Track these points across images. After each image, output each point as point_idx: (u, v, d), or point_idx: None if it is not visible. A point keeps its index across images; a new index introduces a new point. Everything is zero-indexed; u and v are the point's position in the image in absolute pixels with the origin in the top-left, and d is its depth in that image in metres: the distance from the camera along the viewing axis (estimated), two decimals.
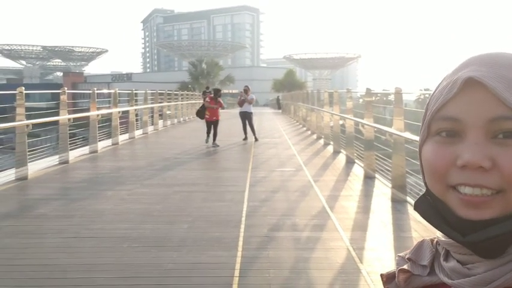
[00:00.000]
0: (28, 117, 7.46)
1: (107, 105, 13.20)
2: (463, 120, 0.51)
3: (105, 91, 15.38)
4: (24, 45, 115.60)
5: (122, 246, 4.10)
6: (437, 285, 0.55)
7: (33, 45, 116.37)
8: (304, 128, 17.54)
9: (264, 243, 4.22)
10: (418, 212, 0.56)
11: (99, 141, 10.69)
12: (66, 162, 8.56)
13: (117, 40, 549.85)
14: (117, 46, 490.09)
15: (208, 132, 11.81)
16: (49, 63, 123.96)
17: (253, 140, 12.70)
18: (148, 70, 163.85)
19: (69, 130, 9.11)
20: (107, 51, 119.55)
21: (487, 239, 0.49)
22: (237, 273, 3.46)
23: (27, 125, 7.23)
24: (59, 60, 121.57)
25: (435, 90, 0.56)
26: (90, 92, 10.75)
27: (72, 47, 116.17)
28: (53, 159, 8.69)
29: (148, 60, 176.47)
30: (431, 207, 0.55)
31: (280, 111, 36.19)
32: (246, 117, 13.20)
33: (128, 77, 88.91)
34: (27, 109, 7.70)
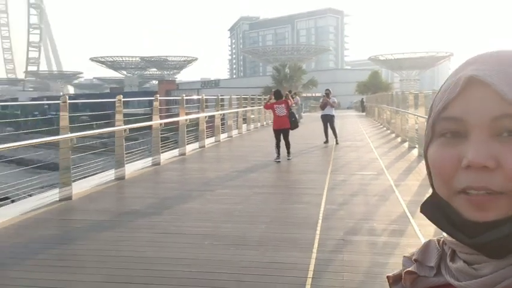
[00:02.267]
0: (126, 122, 8.18)
1: (196, 110, 13.96)
2: (466, 120, 0.50)
3: (194, 97, 16.26)
4: (124, 56, 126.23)
5: (203, 243, 4.37)
6: (444, 286, 0.55)
7: (132, 57, 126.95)
8: (388, 131, 16.98)
9: (340, 246, 4.21)
10: (425, 215, 0.56)
11: (188, 144, 11.28)
12: (158, 164, 9.20)
13: (206, 48, 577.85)
14: (206, 54, 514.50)
15: (277, 145, 9.84)
16: (146, 72, 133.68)
17: (334, 143, 12.57)
18: (234, 76, 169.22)
19: (161, 134, 9.73)
20: (196, 59, 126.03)
21: (494, 240, 0.48)
22: (310, 274, 3.51)
23: (125, 130, 7.92)
24: (155, 70, 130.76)
25: (438, 91, 0.56)
26: (180, 98, 11.48)
27: (166, 56, 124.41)
28: (147, 161, 9.39)
29: (234, 66, 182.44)
30: (437, 209, 0.54)
31: (364, 114, 35.21)
32: (327, 120, 13.17)
33: (215, 83, 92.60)
34: (126, 115, 8.48)
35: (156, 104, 9.44)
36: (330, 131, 12.98)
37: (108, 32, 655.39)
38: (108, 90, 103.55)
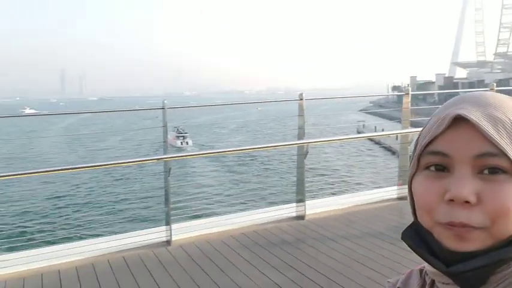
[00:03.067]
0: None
1: None
2: (451, 155, 0.53)
3: None
4: None
5: None
6: None
7: None
8: None
9: None
10: (405, 242, 0.58)
11: None
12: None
13: None
14: None
15: None
16: None
17: None
18: None
19: None
20: None
21: (469, 270, 0.51)
22: None
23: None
24: None
25: (424, 127, 0.59)
26: None
27: None
28: None
29: None
30: (418, 238, 0.57)
31: None
32: None
33: None
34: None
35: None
36: None
37: None
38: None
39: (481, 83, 69.91)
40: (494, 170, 0.52)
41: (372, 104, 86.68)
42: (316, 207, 5.12)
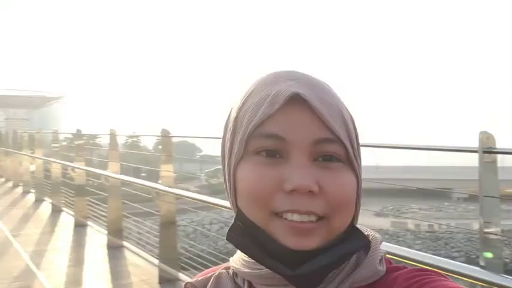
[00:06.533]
0: None
1: None
2: (288, 139, 0.49)
3: None
4: None
5: None
6: None
7: None
8: None
9: None
10: (232, 243, 0.52)
11: None
12: None
13: None
14: None
15: None
16: None
17: None
18: None
19: None
20: None
21: (316, 270, 0.48)
22: None
23: None
24: None
25: (243, 104, 0.53)
26: None
27: None
28: None
29: None
30: (247, 237, 0.51)
31: None
32: None
33: None
34: None
35: None
36: None
37: None
38: None
39: None
40: (330, 158, 0.50)
41: None
42: None
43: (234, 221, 0.53)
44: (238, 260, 0.56)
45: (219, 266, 0.60)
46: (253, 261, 0.53)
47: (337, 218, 0.50)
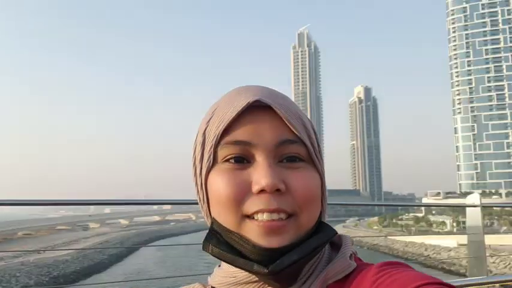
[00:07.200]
0: None
1: None
2: (253, 143, 0.53)
3: None
4: None
5: None
6: None
7: None
8: None
9: None
10: (208, 251, 0.54)
11: None
12: None
13: None
14: None
15: None
16: None
17: None
18: None
19: None
20: None
21: (289, 265, 0.50)
22: None
23: None
24: None
25: (210, 117, 0.57)
26: None
27: None
28: None
29: None
30: (222, 243, 0.53)
31: None
32: None
33: None
34: None
35: None
36: None
37: None
38: None
39: None
40: (293, 158, 0.53)
41: None
42: None
43: (209, 230, 0.55)
44: (214, 276, 0.59)
45: (189, 285, 0.61)
46: (229, 272, 0.56)
47: (305, 214, 0.53)
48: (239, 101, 0.54)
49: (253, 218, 0.52)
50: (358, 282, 0.52)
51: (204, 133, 0.56)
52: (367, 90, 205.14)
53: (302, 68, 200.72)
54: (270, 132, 0.53)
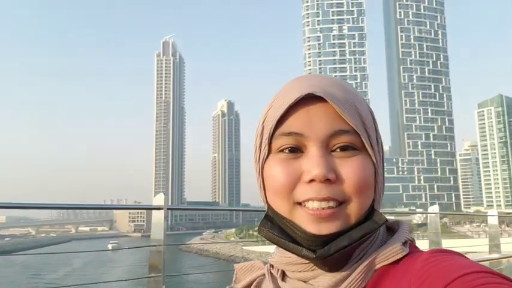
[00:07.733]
0: None
1: None
2: (306, 134, 0.54)
3: None
4: None
5: None
6: None
7: None
8: None
9: None
10: (263, 235, 0.57)
11: None
12: None
13: None
14: None
15: None
16: None
17: None
18: None
19: None
20: None
21: (336, 251, 0.52)
22: None
23: None
24: None
25: (268, 109, 0.59)
26: None
27: None
28: None
29: None
30: (275, 228, 0.56)
31: None
32: None
33: None
34: None
35: None
36: None
37: None
38: None
39: None
40: (346, 147, 0.54)
41: None
42: None
43: (265, 216, 0.58)
44: (273, 254, 0.62)
45: (250, 261, 0.66)
46: (284, 251, 0.57)
47: (355, 203, 0.54)
48: (293, 94, 0.55)
49: (305, 205, 0.53)
50: (407, 269, 0.52)
51: (263, 123, 0.58)
52: (230, 105, 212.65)
53: (166, 77, 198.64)
54: (323, 123, 0.54)
